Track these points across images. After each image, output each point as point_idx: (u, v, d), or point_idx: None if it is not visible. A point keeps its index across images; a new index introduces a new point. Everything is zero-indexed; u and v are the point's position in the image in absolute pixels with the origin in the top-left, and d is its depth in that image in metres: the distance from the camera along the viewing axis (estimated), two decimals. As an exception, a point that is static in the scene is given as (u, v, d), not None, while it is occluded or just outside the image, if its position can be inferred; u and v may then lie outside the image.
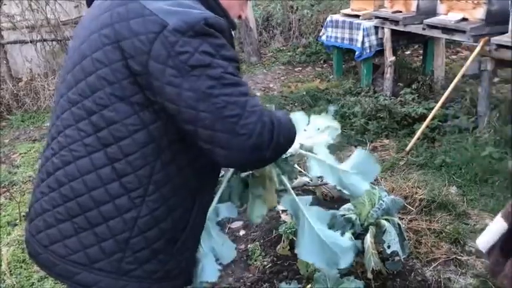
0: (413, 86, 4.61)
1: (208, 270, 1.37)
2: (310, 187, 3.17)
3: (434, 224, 2.78)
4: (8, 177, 3.81)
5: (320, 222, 1.36)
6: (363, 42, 4.95)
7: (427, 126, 3.83)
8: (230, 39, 1.08)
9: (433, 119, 3.84)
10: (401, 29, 4.59)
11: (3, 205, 3.43)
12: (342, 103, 4.70)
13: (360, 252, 2.29)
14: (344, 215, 2.37)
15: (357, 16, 5.15)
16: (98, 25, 1.07)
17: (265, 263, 2.59)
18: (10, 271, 2.65)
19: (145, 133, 1.04)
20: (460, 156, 3.49)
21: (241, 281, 2.49)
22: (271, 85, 5.84)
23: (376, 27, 4.93)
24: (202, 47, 0.98)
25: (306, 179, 3.26)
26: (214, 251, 1.41)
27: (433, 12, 4.35)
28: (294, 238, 2.57)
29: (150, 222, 1.08)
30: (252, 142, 0.99)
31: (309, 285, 2.16)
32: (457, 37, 4.09)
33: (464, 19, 4.03)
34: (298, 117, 1.58)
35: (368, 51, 4.98)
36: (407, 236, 2.51)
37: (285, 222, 2.69)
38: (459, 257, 2.54)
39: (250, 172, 1.44)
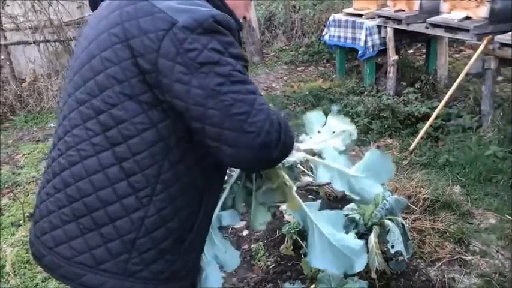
0: (417, 85, 4.60)
1: (212, 278, 1.36)
2: (314, 187, 3.17)
3: (438, 223, 2.77)
4: (11, 178, 3.82)
5: (331, 225, 1.31)
6: (365, 42, 4.94)
7: (431, 126, 3.82)
8: (238, 38, 1.08)
9: (436, 118, 3.83)
10: (404, 28, 4.58)
11: (7, 206, 3.44)
12: (344, 102, 4.69)
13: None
14: (348, 214, 2.36)
15: (360, 15, 5.14)
16: (107, 24, 1.07)
17: (268, 263, 2.59)
18: (14, 272, 2.66)
19: (154, 132, 1.03)
20: (464, 155, 3.47)
21: (245, 281, 2.49)
22: (273, 85, 5.83)
23: (378, 26, 4.91)
24: (211, 44, 0.98)
25: (309, 179, 3.26)
26: (218, 258, 1.40)
27: (436, 11, 4.33)
28: (298, 238, 2.57)
29: (157, 222, 1.08)
30: (261, 140, 0.98)
31: (313, 286, 2.15)
32: (460, 36, 4.07)
33: (467, 18, 4.01)
34: (314, 117, 1.53)
35: (371, 50, 4.97)
36: (411, 235, 2.51)
37: (288, 222, 2.69)
38: (463, 257, 2.53)
39: (263, 184, 1.41)
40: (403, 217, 2.63)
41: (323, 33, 5.78)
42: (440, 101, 3.93)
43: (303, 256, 2.52)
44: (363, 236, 2.31)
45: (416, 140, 3.75)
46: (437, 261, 2.51)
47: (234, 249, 1.49)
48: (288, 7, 7.38)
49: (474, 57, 3.72)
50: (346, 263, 1.28)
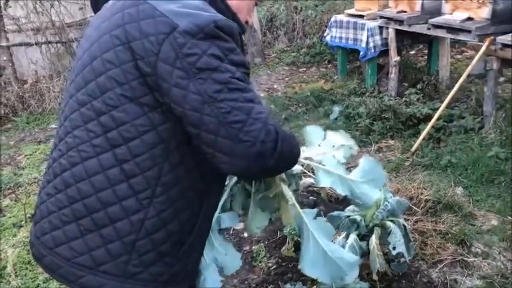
0: (418, 86, 4.59)
1: (210, 281, 1.36)
2: (315, 188, 3.16)
3: (440, 225, 2.76)
4: (13, 179, 3.83)
5: (325, 236, 1.34)
6: (367, 43, 4.93)
7: (433, 127, 3.81)
8: (240, 43, 1.08)
9: (438, 119, 3.82)
10: (406, 29, 4.57)
11: (8, 207, 3.45)
12: (346, 104, 4.68)
13: (365, 254, 2.28)
14: (349, 216, 2.35)
15: (361, 16, 5.14)
16: (109, 26, 1.07)
17: (269, 264, 2.59)
18: (16, 273, 2.66)
19: (154, 134, 1.03)
20: (466, 156, 3.46)
21: (246, 282, 2.48)
22: (275, 86, 5.83)
23: (380, 27, 4.91)
24: (211, 49, 0.98)
25: (310, 180, 3.25)
26: (217, 261, 1.40)
27: (438, 12, 4.33)
28: (299, 239, 2.56)
29: (157, 224, 1.08)
30: (256, 149, 0.98)
31: (314, 287, 2.15)
32: (462, 37, 4.07)
33: (469, 18, 4.01)
34: (313, 131, 1.54)
35: (372, 51, 4.96)
36: (412, 237, 2.50)
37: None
38: (465, 258, 2.52)
39: (262, 192, 1.42)
40: (404, 218, 2.62)
41: (325, 34, 5.78)
42: (442, 102, 3.92)
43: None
44: (364, 237, 2.31)
45: (418, 141, 3.74)
46: (439, 262, 2.50)
47: (235, 251, 1.49)
48: (290, 8, 7.38)
49: (476, 58, 3.71)
50: (338, 274, 1.30)
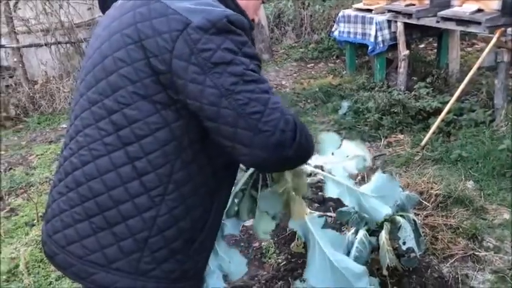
0: (428, 80, 4.54)
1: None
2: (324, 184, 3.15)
3: (451, 219, 2.73)
4: (25, 179, 3.88)
5: (332, 246, 1.32)
6: (375, 37, 4.89)
7: (443, 120, 3.77)
8: (250, 37, 1.08)
9: (448, 112, 3.78)
10: (415, 23, 4.52)
11: (21, 206, 3.49)
12: (355, 98, 4.66)
13: (375, 249, 2.27)
14: (358, 211, 2.34)
15: (369, 10, 5.10)
16: (120, 25, 1.07)
17: (279, 260, 2.59)
18: (28, 271, 2.70)
19: (167, 131, 1.04)
20: (477, 150, 3.43)
21: (256, 278, 2.49)
22: (283, 82, 5.82)
23: (389, 21, 4.87)
24: (225, 44, 0.99)
25: (319, 176, 3.25)
26: (222, 268, 1.40)
27: (447, 4, 4.27)
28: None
29: (169, 221, 1.08)
30: (275, 139, 0.98)
31: (324, 283, 2.14)
32: (472, 29, 4.01)
33: (479, 10, 3.95)
34: (328, 138, 1.52)
35: (381, 45, 4.93)
36: (423, 232, 2.48)
37: (298, 219, 2.68)
38: (477, 253, 2.50)
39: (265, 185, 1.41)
40: (415, 213, 2.60)
41: (333, 29, 5.74)
42: (452, 95, 3.88)
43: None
44: (374, 232, 2.30)
45: (428, 135, 3.71)
46: (450, 257, 2.48)
47: (241, 256, 1.48)
48: (297, 4, 7.36)
49: (486, 50, 3.66)
50: (345, 285, 1.27)
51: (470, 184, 3.13)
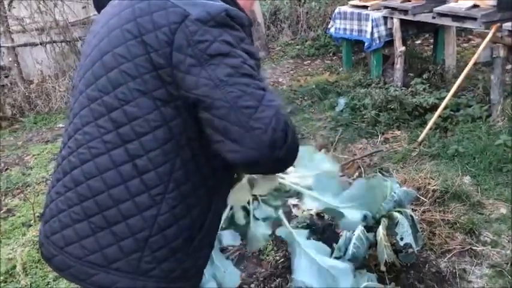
0: (424, 76, 4.54)
1: None
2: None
3: (448, 214, 2.74)
4: (21, 179, 3.86)
5: (319, 253, 1.35)
6: (372, 33, 4.89)
7: (439, 116, 3.77)
8: (249, 34, 1.07)
9: (445, 108, 3.77)
10: (411, 19, 4.52)
11: (17, 206, 3.48)
12: (352, 95, 4.65)
13: (373, 245, 2.27)
14: (355, 207, 2.34)
15: (365, 7, 5.09)
16: (120, 21, 1.07)
17: (277, 257, 2.59)
18: (26, 271, 2.69)
19: (166, 129, 1.03)
20: (474, 145, 3.43)
21: (254, 276, 2.49)
22: (280, 79, 5.81)
23: (385, 18, 4.86)
24: (223, 36, 0.98)
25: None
26: (216, 276, 1.41)
27: (443, 0, 4.28)
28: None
29: (169, 220, 1.07)
30: (266, 138, 0.95)
31: (322, 279, 2.14)
32: (468, 24, 4.01)
33: (475, 6, 3.95)
34: (305, 151, 1.50)
35: (377, 42, 4.92)
36: (420, 227, 2.48)
37: (296, 216, 2.68)
38: (474, 248, 2.50)
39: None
40: (412, 209, 2.60)
41: (329, 26, 5.73)
42: (448, 91, 3.88)
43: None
44: (371, 228, 2.30)
45: (425, 131, 3.71)
46: (448, 252, 2.48)
47: (235, 268, 1.49)
48: (293, 1, 7.34)
49: (482, 45, 3.66)
50: (331, 282, 1.31)
51: (467, 179, 3.14)
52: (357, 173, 3.41)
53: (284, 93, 5.18)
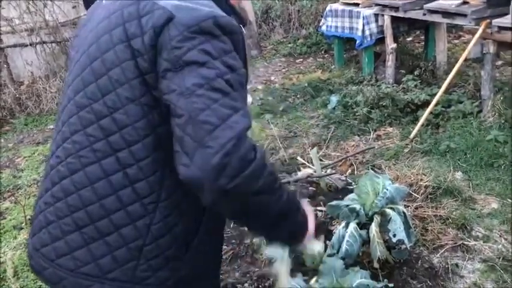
0: (416, 73, 4.56)
1: None
2: (314, 178, 3.16)
3: (441, 210, 2.75)
4: (12, 181, 3.83)
5: None
6: (363, 31, 4.90)
7: (431, 113, 3.79)
8: (242, 40, 1.04)
9: (436, 104, 3.79)
10: (402, 16, 4.53)
11: (8, 209, 3.45)
12: (344, 93, 4.66)
13: (366, 242, 2.28)
14: (348, 205, 2.35)
15: (357, 4, 5.10)
16: (109, 25, 1.05)
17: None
18: (17, 275, 2.66)
19: (154, 138, 1.01)
20: (465, 141, 3.45)
21: (248, 275, 2.48)
22: (272, 78, 5.80)
23: (376, 15, 4.87)
24: (203, 45, 0.94)
25: (309, 171, 3.25)
26: None
27: (433, -3, 4.29)
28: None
29: (163, 228, 1.05)
30: (215, 160, 0.87)
31: (315, 278, 2.14)
32: (458, 21, 4.03)
33: (465, 2, 3.97)
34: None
35: (369, 39, 4.93)
36: (413, 223, 2.49)
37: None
38: (466, 243, 2.51)
39: None
40: (404, 205, 2.61)
41: (320, 24, 5.74)
42: (439, 87, 3.89)
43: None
44: (364, 225, 2.30)
45: (417, 127, 3.72)
46: (440, 248, 2.50)
47: None
48: (285, -1, 7.34)
49: (472, 42, 3.68)
50: None
51: (459, 175, 3.15)
52: (349, 170, 3.42)
53: (276, 91, 5.18)
